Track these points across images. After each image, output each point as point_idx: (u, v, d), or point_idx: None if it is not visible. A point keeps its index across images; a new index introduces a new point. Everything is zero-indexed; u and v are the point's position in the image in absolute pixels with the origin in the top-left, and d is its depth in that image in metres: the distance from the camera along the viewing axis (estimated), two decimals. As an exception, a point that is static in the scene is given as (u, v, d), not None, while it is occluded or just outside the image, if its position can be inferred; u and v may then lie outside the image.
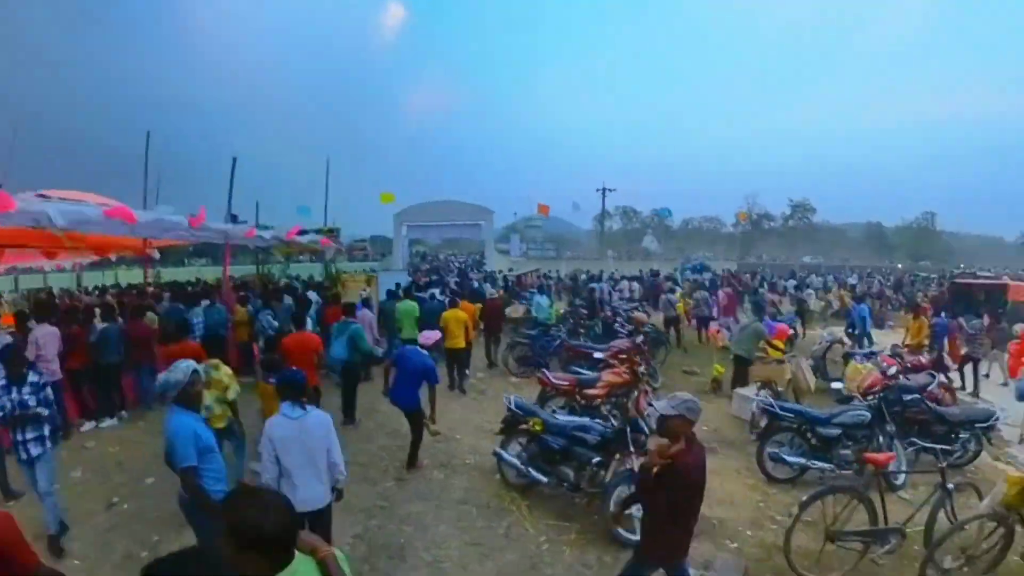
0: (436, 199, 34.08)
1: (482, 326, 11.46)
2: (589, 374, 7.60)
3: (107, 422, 7.62)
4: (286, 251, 14.66)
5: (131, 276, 26.16)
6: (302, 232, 13.16)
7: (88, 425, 7.47)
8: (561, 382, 7.12)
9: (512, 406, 5.80)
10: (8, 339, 6.44)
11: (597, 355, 8.97)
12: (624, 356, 8.05)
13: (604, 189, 48.95)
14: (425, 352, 6.17)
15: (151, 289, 14.36)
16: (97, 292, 16.67)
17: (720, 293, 15.53)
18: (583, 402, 6.79)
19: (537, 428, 5.43)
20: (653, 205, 69.05)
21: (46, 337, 6.79)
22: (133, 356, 7.94)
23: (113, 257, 18.22)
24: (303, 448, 3.44)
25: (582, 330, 12.62)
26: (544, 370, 7.72)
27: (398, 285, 12.50)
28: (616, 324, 12.51)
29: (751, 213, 61.57)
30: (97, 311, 8.91)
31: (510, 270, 28.73)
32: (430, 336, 6.60)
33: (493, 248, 36.44)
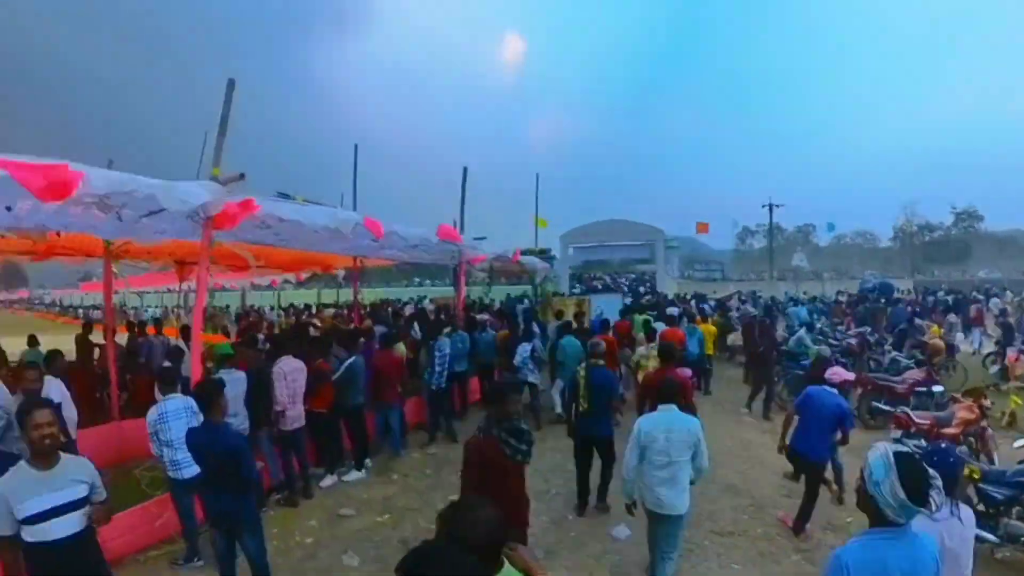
0: (603, 218, 32.30)
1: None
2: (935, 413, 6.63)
3: (352, 475, 6.22)
4: (490, 272, 13.60)
5: (327, 297, 26.82)
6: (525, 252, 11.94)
7: (329, 480, 6.07)
8: (923, 421, 6.31)
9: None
10: (241, 376, 5.23)
11: (898, 387, 8.10)
12: (961, 395, 6.84)
13: (771, 205, 44.19)
14: (836, 392, 5.07)
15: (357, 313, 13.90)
16: (306, 313, 16.73)
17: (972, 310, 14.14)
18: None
19: (975, 476, 4.45)
20: (796, 221, 61.72)
21: (295, 373, 5.53)
22: (381, 394, 6.59)
23: (304, 275, 17.97)
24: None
25: (872, 361, 10.62)
26: (904, 408, 6.84)
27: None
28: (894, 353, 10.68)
29: (911, 224, 52.42)
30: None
31: (694, 296, 24.97)
32: (839, 373, 5.50)
33: (665, 269, 33.56)
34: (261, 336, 8.95)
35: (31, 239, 5.66)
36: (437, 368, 7.37)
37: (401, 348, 7.33)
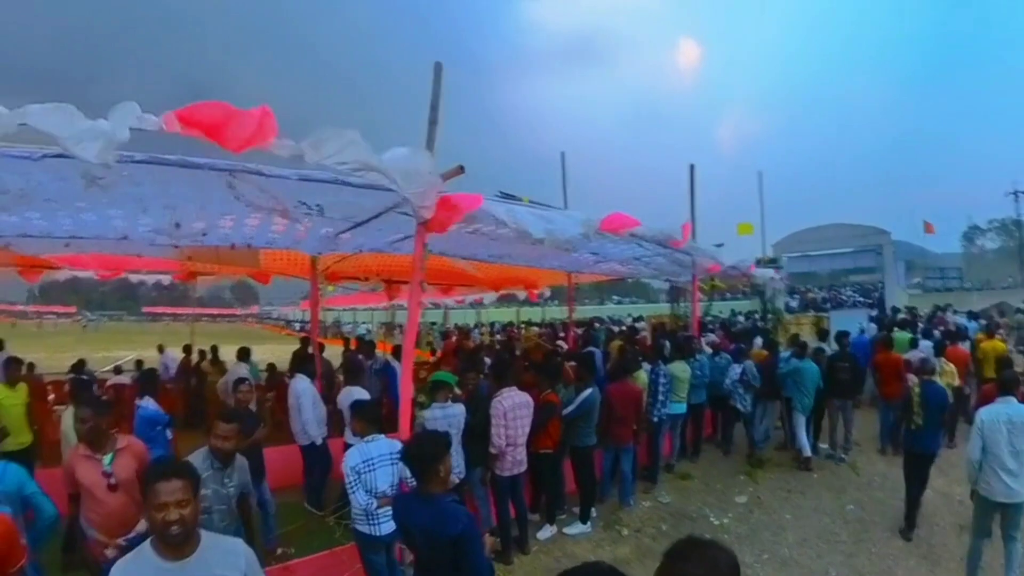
0: (819, 223, 26.93)
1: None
2: None
3: (576, 528, 5.03)
4: (711, 286, 11.58)
5: (528, 316, 26.65)
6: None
7: (548, 531, 4.97)
8: None
9: None
10: (459, 411, 4.32)
11: None
12: None
13: (1017, 192, 32.73)
14: None
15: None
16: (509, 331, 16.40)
17: None
18: None
19: None
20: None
21: (518, 409, 4.54)
22: (614, 431, 5.34)
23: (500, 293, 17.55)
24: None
25: None
26: None
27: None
28: None
29: None
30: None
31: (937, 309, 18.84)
32: None
33: (895, 278, 26.65)
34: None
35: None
36: (660, 397, 6.08)
37: (642, 378, 5.95)
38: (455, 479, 3.94)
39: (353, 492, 3.14)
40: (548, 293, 17.35)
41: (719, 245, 7.71)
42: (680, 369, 6.39)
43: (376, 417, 3.49)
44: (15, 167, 2.72)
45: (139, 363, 9.83)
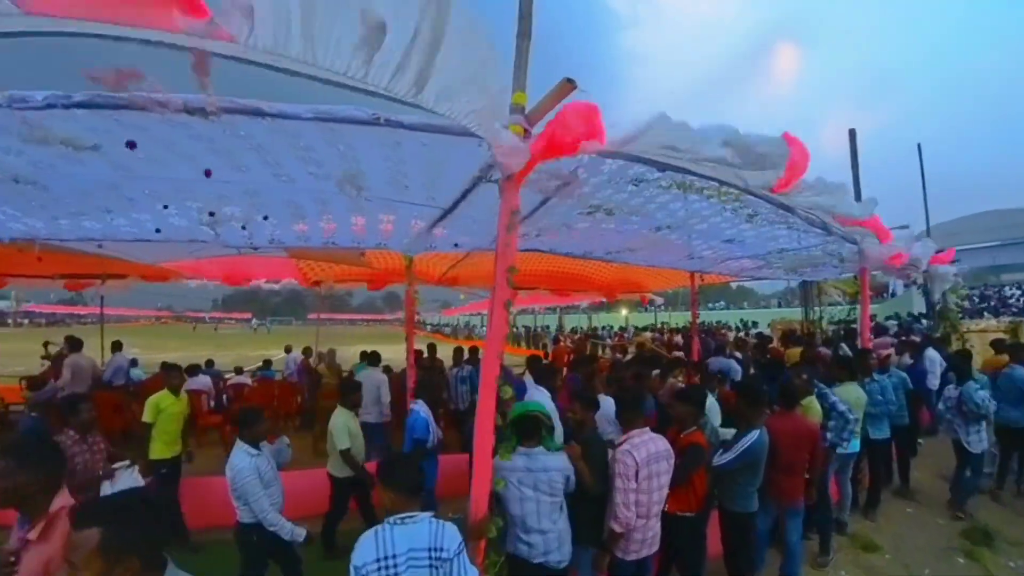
0: (977, 211, 21.56)
1: None
2: None
3: None
4: (853, 289, 9.05)
5: (638, 321, 25.01)
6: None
7: None
8: None
9: None
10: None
11: None
12: None
13: None
14: None
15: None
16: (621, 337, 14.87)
17: None
18: None
19: None
20: None
21: (655, 461, 2.84)
22: (779, 487, 3.51)
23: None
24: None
25: None
26: None
27: None
28: None
29: None
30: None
31: None
32: None
33: None
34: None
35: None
36: (845, 435, 4.10)
37: (815, 408, 3.99)
38: (557, 566, 2.61)
39: None
40: (660, 300, 15.58)
41: (903, 227, 5.49)
42: (853, 394, 4.35)
43: (414, 484, 1.99)
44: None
45: (267, 362, 10.00)
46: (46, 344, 8.42)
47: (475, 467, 2.12)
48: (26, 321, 51.22)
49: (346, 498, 4.21)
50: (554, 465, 2.63)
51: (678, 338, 13.14)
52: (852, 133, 5.97)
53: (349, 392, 4.31)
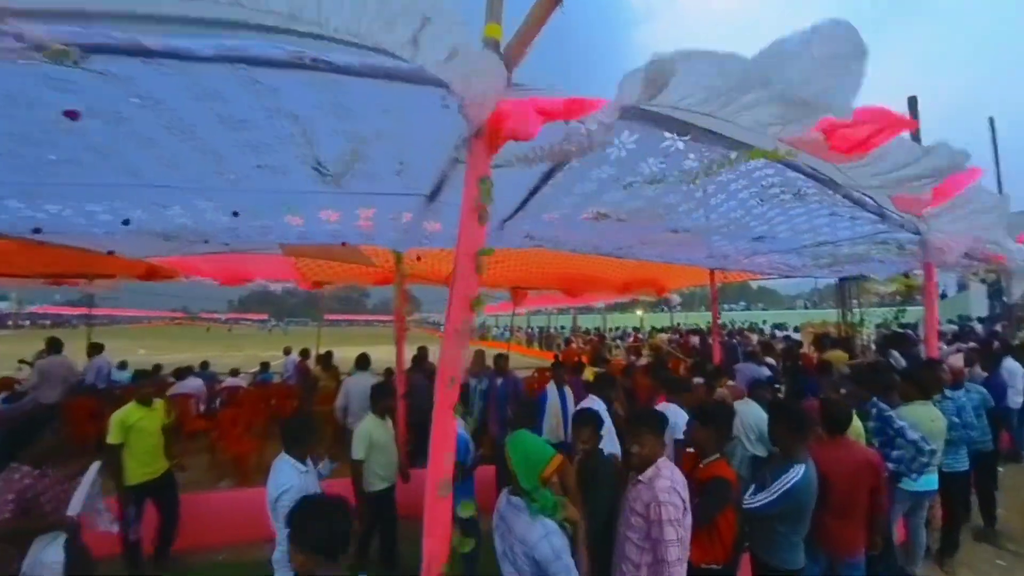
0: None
1: None
2: None
3: None
4: (906, 284, 8.25)
5: (654, 322, 24.32)
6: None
7: None
8: None
9: None
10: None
11: None
12: None
13: None
14: None
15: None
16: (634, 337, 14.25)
17: None
18: None
19: None
20: None
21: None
22: (831, 536, 2.85)
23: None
24: None
25: None
26: None
27: None
28: None
29: None
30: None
31: None
32: None
33: None
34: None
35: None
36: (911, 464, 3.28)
37: (858, 429, 3.31)
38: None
39: None
40: (678, 300, 14.91)
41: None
42: (927, 417, 3.52)
43: (334, 542, 1.55)
44: None
45: (264, 364, 9.64)
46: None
47: (427, 515, 1.56)
48: (27, 323, 49.77)
49: (375, 514, 3.69)
50: (530, 537, 1.93)
51: (695, 340, 12.47)
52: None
53: (379, 397, 3.75)
